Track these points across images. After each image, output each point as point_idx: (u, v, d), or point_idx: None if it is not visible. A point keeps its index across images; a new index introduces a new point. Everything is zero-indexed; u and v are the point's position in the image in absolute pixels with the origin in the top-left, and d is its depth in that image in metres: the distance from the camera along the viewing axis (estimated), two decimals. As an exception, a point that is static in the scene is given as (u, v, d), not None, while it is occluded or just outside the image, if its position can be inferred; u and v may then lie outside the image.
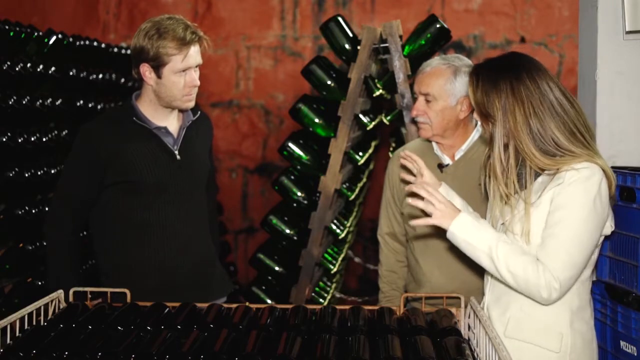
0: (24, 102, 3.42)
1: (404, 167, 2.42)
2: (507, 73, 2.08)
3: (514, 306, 2.10)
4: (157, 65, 2.47)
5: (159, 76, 2.48)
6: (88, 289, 2.15)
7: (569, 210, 2.00)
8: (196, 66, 2.52)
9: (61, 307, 2.05)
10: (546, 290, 1.99)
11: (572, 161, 2.02)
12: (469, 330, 1.98)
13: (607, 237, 2.45)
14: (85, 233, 2.75)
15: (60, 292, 2.06)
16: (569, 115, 2.06)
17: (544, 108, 2.04)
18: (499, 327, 2.11)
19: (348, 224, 3.88)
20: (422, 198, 2.11)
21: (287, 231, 3.52)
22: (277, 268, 3.56)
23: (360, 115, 3.49)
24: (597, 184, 2.01)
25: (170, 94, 2.51)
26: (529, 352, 2.07)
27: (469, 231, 2.05)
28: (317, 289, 3.86)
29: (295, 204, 3.53)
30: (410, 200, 2.14)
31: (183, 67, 2.47)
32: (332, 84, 3.45)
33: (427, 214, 2.11)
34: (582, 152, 2.04)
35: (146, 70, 2.49)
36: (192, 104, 2.57)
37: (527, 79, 2.06)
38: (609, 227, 2.10)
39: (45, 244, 2.59)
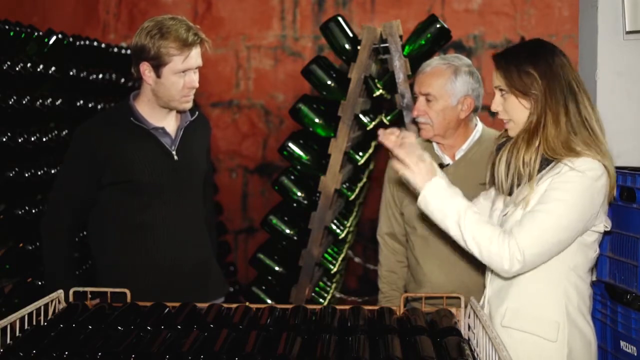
0: (24, 102, 3.42)
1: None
2: (539, 46, 2.10)
3: (511, 297, 2.11)
4: (157, 65, 2.47)
5: (158, 76, 2.49)
6: (88, 289, 2.15)
7: (556, 193, 2.00)
8: (196, 68, 2.52)
9: (61, 307, 2.05)
10: (508, 261, 1.99)
11: (578, 155, 2.01)
12: (469, 330, 1.98)
13: (606, 235, 2.45)
14: (85, 233, 2.75)
15: (60, 292, 2.06)
16: (586, 93, 2.09)
17: (577, 82, 2.06)
18: (497, 318, 2.11)
19: (348, 224, 3.88)
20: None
21: (287, 231, 3.52)
22: (277, 268, 3.56)
23: (360, 115, 3.49)
24: (593, 178, 2.00)
25: (169, 94, 2.51)
26: (526, 341, 2.07)
27: (441, 197, 2.05)
28: (317, 289, 3.85)
29: (295, 204, 3.53)
30: (394, 163, 2.12)
31: (183, 68, 2.47)
32: (332, 84, 3.45)
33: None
34: (596, 146, 2.04)
35: (146, 69, 2.49)
36: (189, 105, 2.57)
37: (559, 52, 2.09)
38: (601, 226, 2.09)
39: (42, 243, 2.58)
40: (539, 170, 2.07)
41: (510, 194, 2.13)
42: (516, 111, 2.11)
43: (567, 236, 2.03)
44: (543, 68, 2.06)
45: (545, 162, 2.07)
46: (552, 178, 2.03)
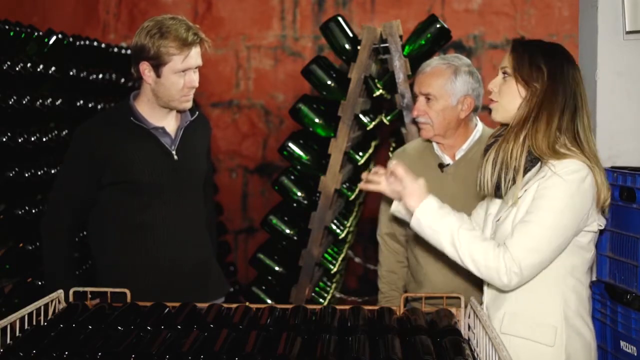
0: (24, 102, 3.42)
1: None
2: (559, 51, 2.11)
3: (508, 302, 2.11)
4: (157, 65, 2.47)
5: (158, 75, 2.49)
6: (88, 289, 2.15)
7: (545, 201, 2.00)
8: (196, 67, 2.52)
9: (61, 307, 2.05)
10: (506, 275, 1.99)
11: (562, 157, 2.02)
12: (469, 330, 1.98)
13: (606, 235, 2.44)
14: (85, 233, 2.75)
15: (60, 292, 2.06)
16: (588, 115, 2.09)
17: (582, 99, 2.07)
18: (495, 324, 2.11)
19: (348, 224, 3.88)
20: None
21: (287, 231, 3.52)
22: (277, 268, 3.56)
23: (360, 115, 3.49)
24: (579, 179, 2.00)
25: (169, 93, 2.51)
26: (525, 347, 2.06)
27: (433, 217, 2.06)
28: (317, 289, 3.85)
29: (295, 204, 3.53)
30: (362, 185, 2.22)
31: (183, 68, 2.47)
32: (332, 84, 3.45)
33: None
34: (581, 149, 2.04)
35: (146, 69, 2.49)
36: (189, 104, 2.57)
37: (577, 70, 2.10)
38: (595, 225, 2.09)
39: (42, 243, 2.58)
40: (526, 170, 2.07)
41: (497, 195, 2.13)
42: (509, 97, 2.10)
43: (560, 242, 2.02)
44: (554, 69, 2.06)
45: (531, 162, 2.06)
46: (539, 182, 2.03)
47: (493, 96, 2.15)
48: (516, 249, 1.99)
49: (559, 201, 1.99)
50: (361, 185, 2.31)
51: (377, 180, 2.23)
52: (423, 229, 2.09)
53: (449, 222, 2.06)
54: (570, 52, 2.14)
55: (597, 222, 2.09)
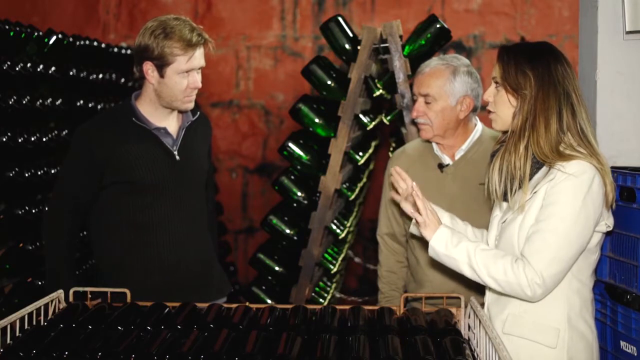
0: (24, 102, 3.42)
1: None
2: (544, 51, 2.09)
3: (512, 303, 2.11)
4: (161, 65, 2.47)
5: (161, 75, 2.48)
6: (88, 289, 2.15)
7: (557, 207, 1.99)
8: (199, 68, 2.52)
9: (61, 307, 2.05)
10: (529, 288, 1.99)
11: (569, 159, 2.01)
12: (469, 330, 1.99)
13: (607, 235, 2.44)
14: (85, 233, 2.75)
15: (60, 292, 2.06)
16: (587, 110, 2.09)
17: (577, 94, 2.06)
18: (498, 324, 2.11)
19: (348, 224, 3.88)
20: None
21: (287, 231, 3.52)
22: (277, 268, 3.56)
23: (360, 115, 3.49)
24: (588, 181, 1.99)
25: (172, 94, 2.51)
26: (527, 348, 2.07)
27: (447, 246, 2.08)
28: (317, 289, 3.85)
29: (295, 204, 3.53)
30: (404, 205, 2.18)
31: (187, 69, 2.47)
32: (332, 84, 3.45)
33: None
34: (588, 149, 2.04)
35: (149, 69, 2.49)
36: (191, 105, 2.58)
37: (564, 62, 2.08)
38: (604, 226, 2.09)
39: (44, 243, 2.58)
40: (532, 174, 2.06)
41: (505, 200, 2.13)
42: (503, 106, 2.11)
43: (579, 247, 2.02)
44: (541, 72, 2.05)
45: (537, 165, 2.06)
46: (547, 185, 2.02)
47: (490, 107, 2.17)
48: (536, 261, 1.98)
49: (570, 206, 1.98)
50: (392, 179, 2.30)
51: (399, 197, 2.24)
52: (440, 257, 2.12)
53: (464, 247, 2.07)
54: (556, 48, 2.13)
55: (606, 223, 2.08)
